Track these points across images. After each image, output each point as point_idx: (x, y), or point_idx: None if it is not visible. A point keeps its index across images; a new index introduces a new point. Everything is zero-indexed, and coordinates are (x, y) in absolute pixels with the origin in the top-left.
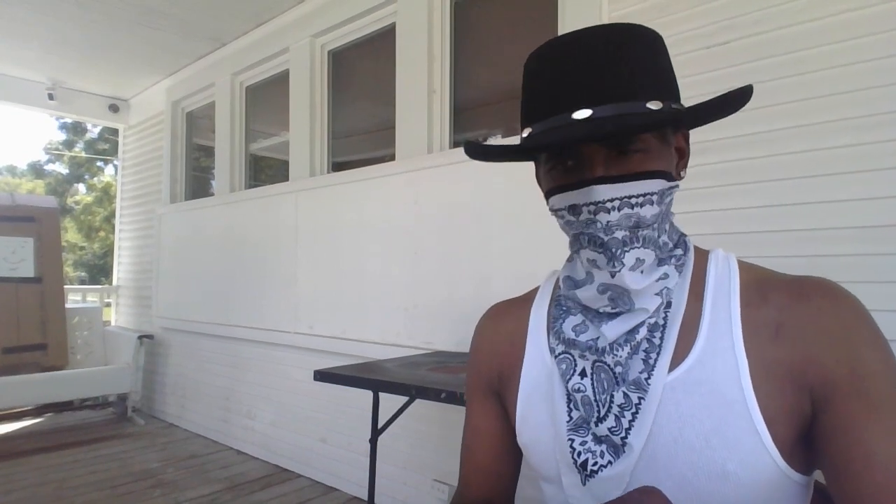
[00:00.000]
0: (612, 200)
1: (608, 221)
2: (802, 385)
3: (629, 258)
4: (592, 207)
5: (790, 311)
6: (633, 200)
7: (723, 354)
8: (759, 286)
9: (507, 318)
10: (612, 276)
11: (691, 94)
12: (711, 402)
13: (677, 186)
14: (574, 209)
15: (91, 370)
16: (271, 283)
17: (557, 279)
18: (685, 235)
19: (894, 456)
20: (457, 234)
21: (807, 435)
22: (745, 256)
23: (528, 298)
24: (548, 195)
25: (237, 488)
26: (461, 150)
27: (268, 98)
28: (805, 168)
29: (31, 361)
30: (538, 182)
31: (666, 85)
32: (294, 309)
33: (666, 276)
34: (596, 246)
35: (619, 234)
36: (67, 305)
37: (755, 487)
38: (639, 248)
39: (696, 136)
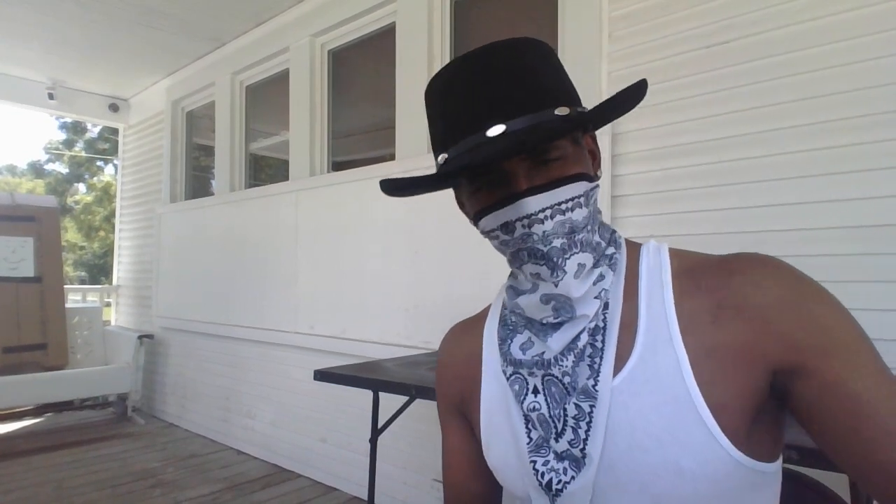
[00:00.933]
0: (542, 210)
1: (544, 232)
2: (755, 362)
3: (570, 265)
4: (526, 221)
5: (725, 291)
6: (564, 206)
7: (662, 349)
8: (691, 273)
9: (464, 339)
10: (556, 285)
11: (691, 93)
12: (658, 401)
13: (598, 186)
14: (507, 227)
15: (91, 370)
16: (271, 283)
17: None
18: (615, 232)
19: (890, 398)
20: (457, 234)
21: (765, 418)
22: None
23: (483, 316)
24: (476, 218)
25: (237, 488)
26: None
27: (268, 97)
28: (803, 168)
29: (31, 361)
30: (461, 207)
31: (568, 91)
32: (294, 309)
33: (602, 276)
34: (537, 258)
35: (558, 243)
36: (67, 305)
37: (713, 481)
38: (577, 252)
39: (696, 136)
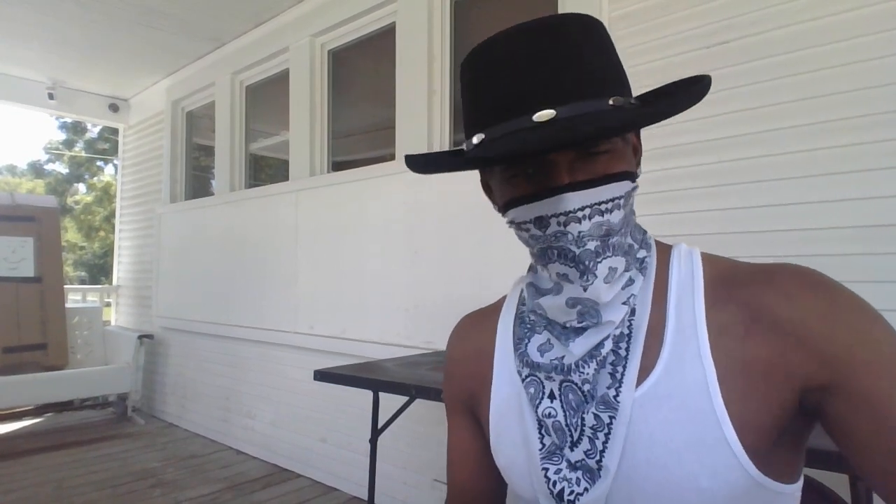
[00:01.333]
0: (582, 209)
1: (580, 232)
2: (786, 379)
3: (602, 269)
4: (563, 218)
5: (759, 303)
6: (604, 206)
7: (690, 363)
8: (725, 282)
9: (474, 333)
10: (585, 289)
11: None
12: (681, 417)
13: (638, 186)
14: (540, 221)
15: (91, 370)
16: (271, 283)
17: (522, 289)
18: (647, 233)
19: None
20: (456, 234)
21: (788, 438)
22: (745, 256)
23: (496, 309)
24: (505, 207)
25: (237, 488)
26: (461, 150)
27: (268, 97)
28: (804, 168)
29: (31, 361)
30: (486, 191)
31: (622, 80)
32: (294, 309)
33: (631, 281)
34: (567, 259)
35: (592, 245)
36: (67, 305)
37: (731, 500)
38: (610, 256)
39: (694, 135)
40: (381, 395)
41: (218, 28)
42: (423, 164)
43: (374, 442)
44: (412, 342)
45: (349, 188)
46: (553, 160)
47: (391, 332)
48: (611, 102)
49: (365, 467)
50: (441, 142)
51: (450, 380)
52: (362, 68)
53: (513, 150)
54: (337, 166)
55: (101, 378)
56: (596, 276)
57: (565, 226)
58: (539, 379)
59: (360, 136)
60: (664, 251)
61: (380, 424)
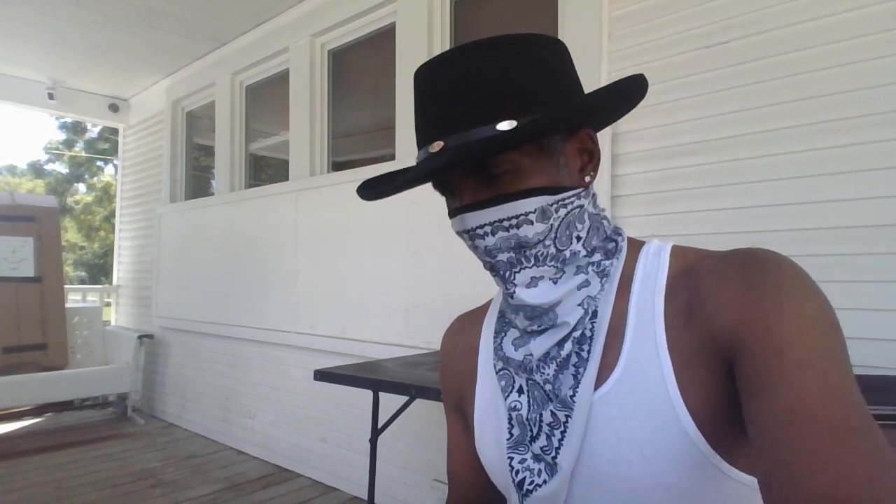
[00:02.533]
0: (482, 227)
1: (486, 246)
2: (715, 359)
3: (521, 278)
4: (467, 235)
5: (699, 287)
6: (507, 223)
7: (647, 358)
8: (686, 272)
9: (463, 333)
10: (511, 296)
11: (691, 93)
12: (642, 413)
13: (581, 194)
14: (459, 235)
15: (91, 370)
16: (271, 283)
17: None
18: (617, 237)
19: (815, 404)
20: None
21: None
22: None
23: (483, 310)
24: None
25: (237, 488)
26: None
27: (268, 97)
28: (804, 168)
29: (31, 361)
30: None
31: (534, 97)
32: (294, 309)
33: (587, 283)
34: (489, 268)
35: (504, 257)
36: (67, 305)
37: (701, 497)
38: (530, 267)
39: (696, 136)
40: (381, 395)
41: (218, 28)
42: (372, 191)
43: (374, 442)
44: (412, 342)
45: (349, 188)
46: (457, 183)
47: (391, 332)
48: (499, 127)
49: (365, 467)
50: None
51: (443, 379)
52: (362, 68)
53: (401, 182)
54: (337, 166)
55: (101, 378)
56: (515, 285)
57: (472, 241)
58: (510, 373)
59: (360, 136)
60: (635, 251)
61: (380, 424)
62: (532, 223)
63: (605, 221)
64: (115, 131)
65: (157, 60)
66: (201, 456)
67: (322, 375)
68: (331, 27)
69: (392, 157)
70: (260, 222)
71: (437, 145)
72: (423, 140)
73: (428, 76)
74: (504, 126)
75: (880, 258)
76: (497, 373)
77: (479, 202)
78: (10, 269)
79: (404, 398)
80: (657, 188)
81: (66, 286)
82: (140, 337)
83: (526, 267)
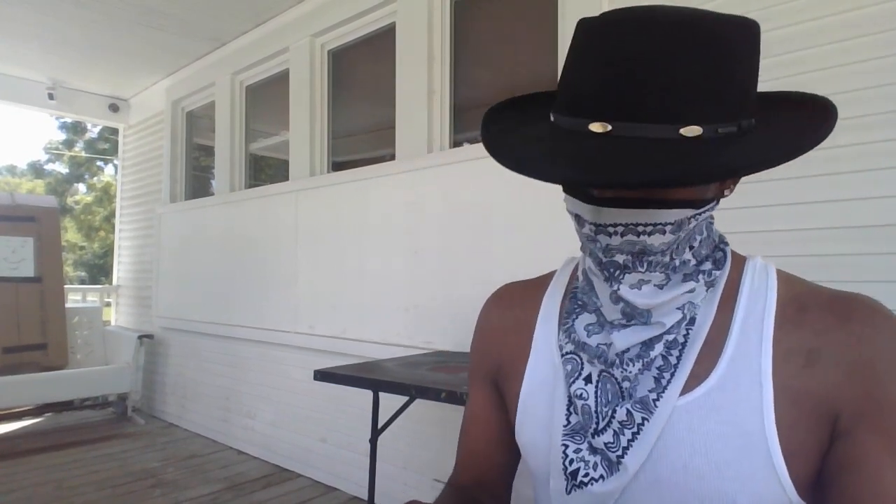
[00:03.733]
0: (614, 225)
1: (608, 244)
2: (828, 417)
3: (629, 278)
4: (593, 227)
5: (827, 336)
6: (640, 228)
7: (747, 380)
8: (798, 305)
9: (516, 303)
10: (613, 293)
11: None
12: (728, 431)
13: (712, 208)
14: (578, 219)
15: (91, 370)
16: (271, 283)
17: (576, 268)
18: (724, 245)
19: None
20: (457, 233)
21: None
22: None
23: (541, 284)
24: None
25: (237, 488)
26: (461, 149)
27: (268, 98)
28: (804, 168)
29: (31, 361)
30: None
31: (724, 103)
32: (294, 309)
33: (692, 290)
34: (595, 261)
35: (620, 259)
36: (67, 305)
37: None
38: (642, 272)
39: None
40: (381, 395)
41: (218, 28)
42: (512, 157)
43: (374, 442)
44: (412, 342)
45: (349, 188)
46: None
47: (391, 332)
48: (682, 131)
49: (365, 467)
50: (441, 142)
51: (479, 349)
52: (362, 68)
53: (544, 176)
54: (337, 166)
55: (101, 378)
56: (621, 283)
57: (595, 234)
58: (580, 359)
59: (360, 136)
60: (738, 263)
61: (380, 424)
62: (664, 234)
63: (714, 227)
64: (115, 131)
65: (157, 60)
66: (201, 456)
67: (322, 375)
68: (331, 27)
69: (392, 157)
70: (260, 222)
71: (601, 126)
72: (581, 109)
73: (610, 35)
74: (687, 132)
75: (880, 258)
76: (563, 356)
77: (623, 200)
78: (10, 269)
79: (404, 398)
80: None
81: (66, 286)
82: (140, 337)
83: (637, 271)
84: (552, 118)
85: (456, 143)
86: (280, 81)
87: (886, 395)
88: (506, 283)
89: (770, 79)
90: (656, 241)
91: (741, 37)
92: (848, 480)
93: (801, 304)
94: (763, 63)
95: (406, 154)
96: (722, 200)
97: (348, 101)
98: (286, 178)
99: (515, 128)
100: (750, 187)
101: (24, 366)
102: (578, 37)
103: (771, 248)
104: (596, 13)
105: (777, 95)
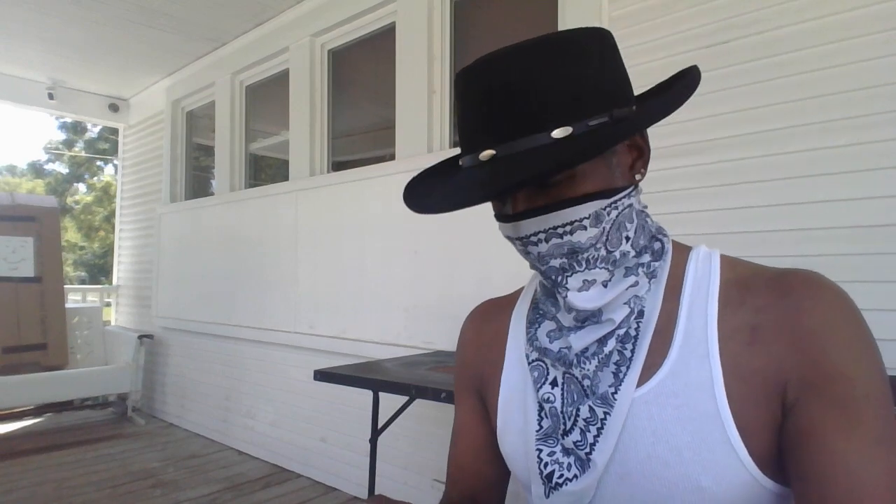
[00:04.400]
0: (535, 234)
1: (539, 253)
2: (777, 390)
3: (573, 282)
4: (519, 242)
5: (767, 311)
6: (560, 230)
7: (697, 364)
8: (740, 285)
9: (490, 319)
10: (564, 299)
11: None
12: (684, 415)
13: (631, 193)
14: (510, 240)
15: (91, 370)
16: (271, 283)
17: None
18: (662, 236)
19: (860, 464)
20: (457, 233)
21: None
22: (745, 256)
23: (512, 299)
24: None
25: (237, 488)
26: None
27: (268, 97)
28: (803, 168)
29: (31, 361)
30: None
31: (587, 100)
32: (294, 309)
33: (636, 283)
34: (540, 273)
35: (556, 263)
36: (67, 305)
37: (731, 502)
38: (582, 270)
39: (694, 136)
40: (381, 395)
41: (218, 28)
42: (421, 202)
43: (374, 442)
44: (412, 342)
45: (349, 188)
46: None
47: (391, 331)
48: (553, 134)
49: (365, 467)
50: (441, 142)
51: (462, 363)
52: (362, 68)
53: (449, 203)
54: (337, 166)
55: (101, 378)
56: (567, 289)
57: (525, 247)
58: (545, 364)
59: (360, 136)
60: (681, 253)
61: (380, 424)
62: (586, 228)
63: (648, 219)
64: (114, 131)
65: (157, 60)
66: (201, 456)
67: (322, 375)
68: (331, 27)
69: (392, 157)
70: (260, 222)
71: (487, 153)
72: (470, 146)
73: (474, 79)
74: (558, 133)
75: (880, 258)
76: (530, 363)
77: (535, 209)
78: (10, 269)
79: (404, 398)
80: (658, 188)
81: (66, 286)
82: (140, 337)
83: (577, 271)
84: (460, 163)
85: (456, 143)
86: (280, 81)
87: (831, 363)
88: (485, 299)
89: (771, 78)
90: (581, 237)
91: (590, 41)
92: (801, 452)
93: (744, 284)
94: (763, 63)
95: (406, 154)
96: (722, 200)
97: (348, 101)
98: (286, 178)
99: (434, 185)
100: (751, 187)
101: (24, 366)
102: (458, 85)
103: (770, 248)
104: (595, 13)
105: (673, 81)
